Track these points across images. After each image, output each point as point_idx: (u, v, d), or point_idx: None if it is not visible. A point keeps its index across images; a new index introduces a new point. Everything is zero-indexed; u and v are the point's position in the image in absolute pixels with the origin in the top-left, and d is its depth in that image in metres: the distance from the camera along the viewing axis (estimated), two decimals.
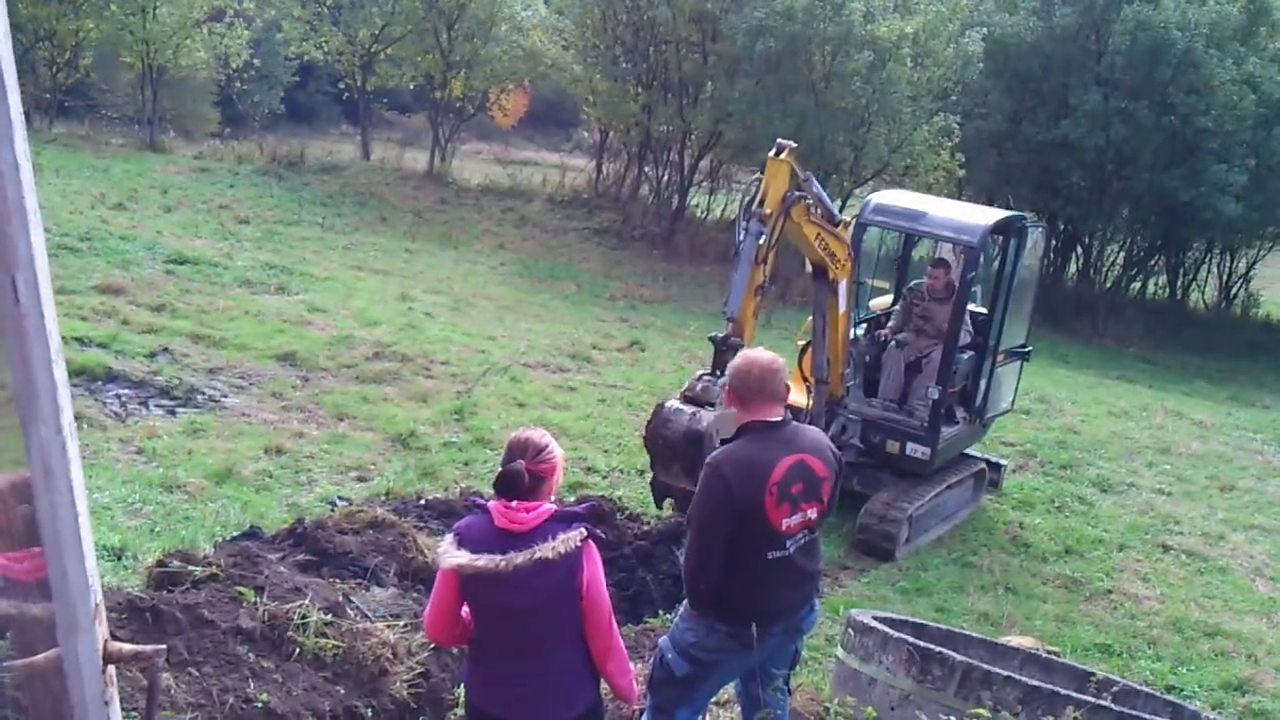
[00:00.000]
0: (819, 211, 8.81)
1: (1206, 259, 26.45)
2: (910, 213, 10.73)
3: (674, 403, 7.76)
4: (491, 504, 3.79)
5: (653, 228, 24.75)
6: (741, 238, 8.04)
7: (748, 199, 8.23)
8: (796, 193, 8.14)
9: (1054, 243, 24.83)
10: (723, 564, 4.31)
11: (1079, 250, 26.25)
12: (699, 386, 7.67)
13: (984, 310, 10.98)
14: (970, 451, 11.45)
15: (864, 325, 11.28)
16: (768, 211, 7.98)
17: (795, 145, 8.18)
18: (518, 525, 3.70)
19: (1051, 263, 24.54)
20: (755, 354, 4.50)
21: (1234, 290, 26.53)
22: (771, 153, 8.14)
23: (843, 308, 9.48)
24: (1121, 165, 23.25)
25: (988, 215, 10.71)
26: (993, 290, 10.95)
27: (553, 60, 27.69)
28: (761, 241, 7.90)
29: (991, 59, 23.37)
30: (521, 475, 3.73)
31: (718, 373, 7.90)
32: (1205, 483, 13.10)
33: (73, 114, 27.67)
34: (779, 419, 4.40)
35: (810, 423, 8.45)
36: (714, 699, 5.75)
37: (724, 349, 7.90)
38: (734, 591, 4.35)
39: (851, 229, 9.70)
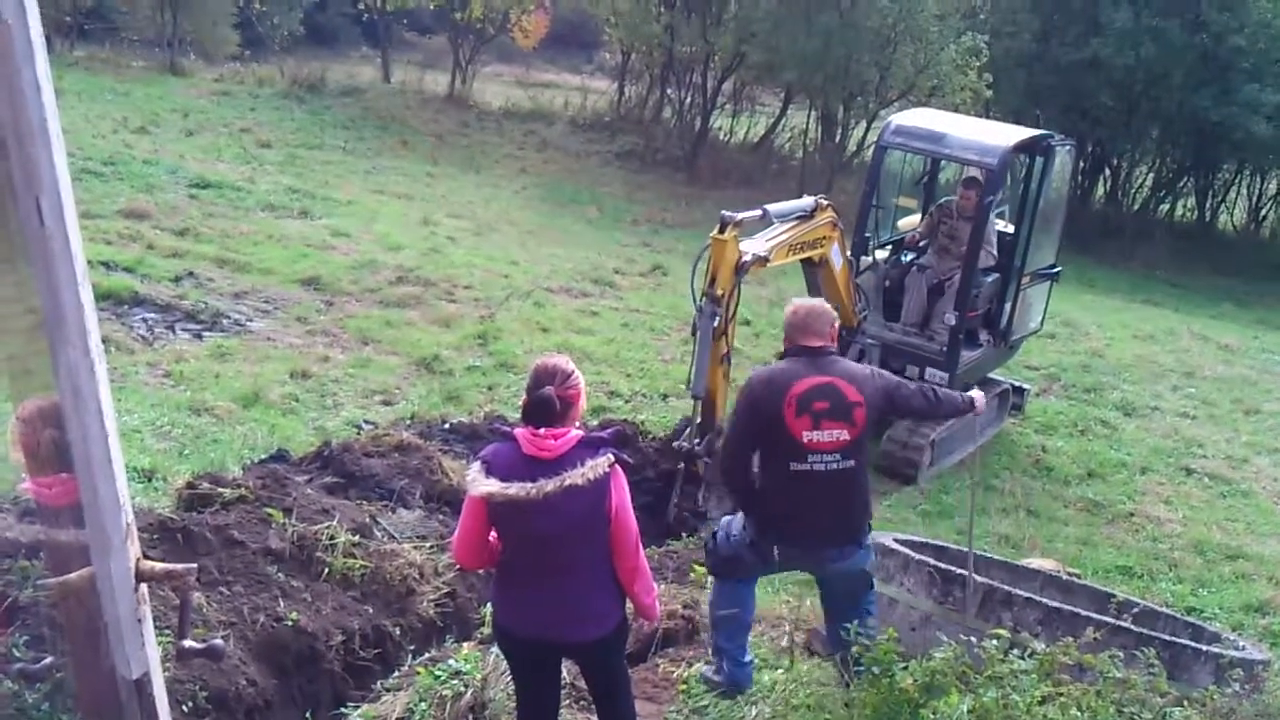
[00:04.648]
0: (783, 234, 8.61)
1: (1236, 181, 26.00)
2: (931, 134, 10.54)
3: None
4: (518, 431, 3.79)
5: (675, 150, 24.53)
6: (697, 318, 7.93)
7: (695, 272, 8.03)
8: (745, 258, 7.93)
9: (1082, 164, 24.46)
10: (759, 475, 4.83)
11: (1107, 172, 25.87)
12: None
13: (1011, 230, 10.86)
14: (994, 376, 11.41)
15: (889, 247, 11.20)
16: (719, 293, 7.83)
17: (739, 218, 7.92)
18: (546, 452, 3.70)
19: (1079, 185, 24.20)
20: (804, 300, 5.05)
21: (1264, 212, 26.14)
22: (715, 231, 7.88)
23: (839, 265, 9.40)
24: (1151, 85, 22.79)
25: (1010, 135, 10.50)
26: (1018, 210, 10.82)
27: None
28: (716, 323, 7.83)
29: None
30: (553, 400, 3.73)
31: (693, 491, 8.19)
32: (1230, 406, 13.04)
33: (93, 37, 27.44)
34: (817, 346, 4.79)
35: None
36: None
37: (694, 459, 8.13)
38: (761, 495, 4.84)
39: (871, 157, 9.54)
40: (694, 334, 8.03)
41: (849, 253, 9.92)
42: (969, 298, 10.12)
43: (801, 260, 9.15)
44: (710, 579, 5.30)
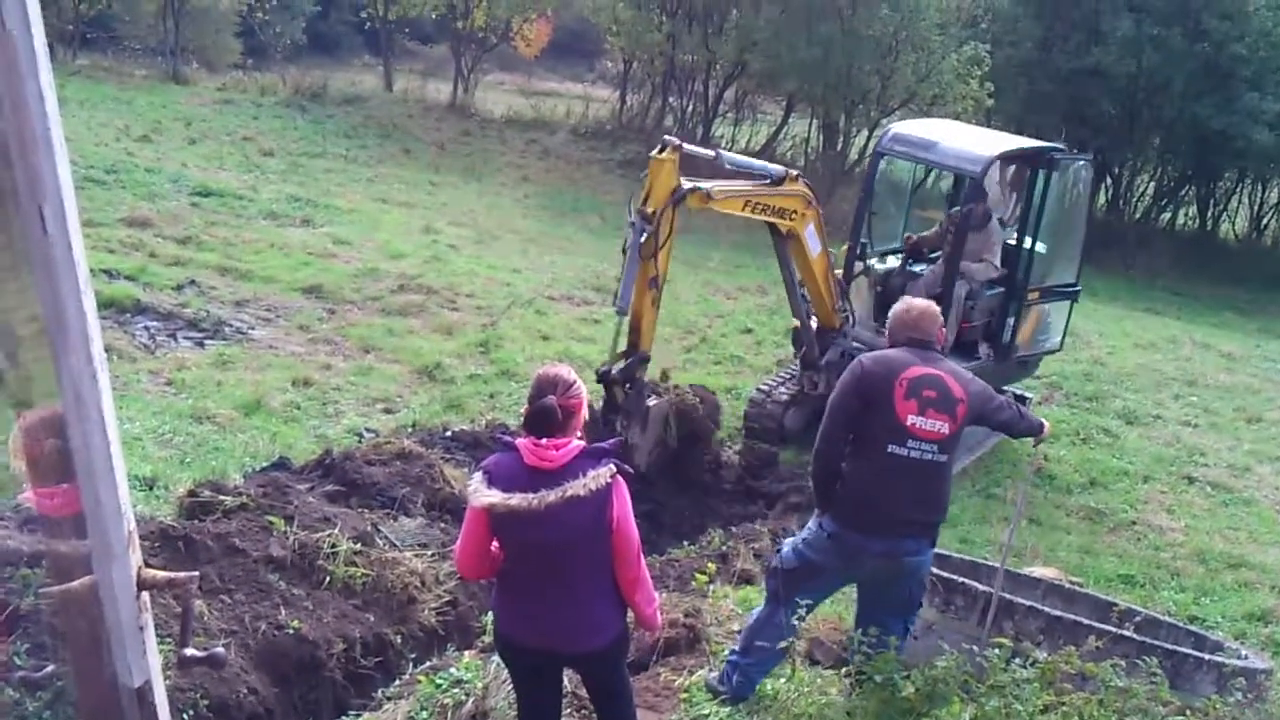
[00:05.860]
0: (741, 186, 8.67)
1: (1238, 189, 26.02)
2: (923, 142, 10.46)
3: None
4: (519, 441, 3.78)
5: None
6: (628, 234, 8.01)
7: (633, 196, 8.17)
8: (685, 186, 8.01)
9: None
10: (849, 455, 4.81)
11: (1108, 181, 25.86)
12: None
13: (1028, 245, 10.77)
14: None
15: (890, 253, 11.15)
16: (650, 210, 7.91)
17: (680, 143, 8.04)
18: (548, 463, 3.69)
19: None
20: (915, 300, 5.11)
21: (1265, 221, 26.13)
22: (655, 150, 8.02)
23: (816, 250, 9.36)
24: (1153, 93, 22.81)
25: (997, 145, 10.42)
26: (1020, 223, 10.74)
27: None
28: (645, 239, 7.86)
29: None
30: (555, 410, 3.72)
31: (612, 420, 8.18)
32: (1232, 415, 13.02)
33: (96, 46, 27.52)
34: (926, 341, 4.90)
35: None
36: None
37: (611, 382, 8.17)
38: (849, 479, 4.81)
39: (870, 160, 9.53)
40: (624, 252, 8.08)
41: (840, 252, 9.90)
42: (951, 303, 10.01)
43: (770, 229, 9.17)
44: (712, 587, 5.25)
